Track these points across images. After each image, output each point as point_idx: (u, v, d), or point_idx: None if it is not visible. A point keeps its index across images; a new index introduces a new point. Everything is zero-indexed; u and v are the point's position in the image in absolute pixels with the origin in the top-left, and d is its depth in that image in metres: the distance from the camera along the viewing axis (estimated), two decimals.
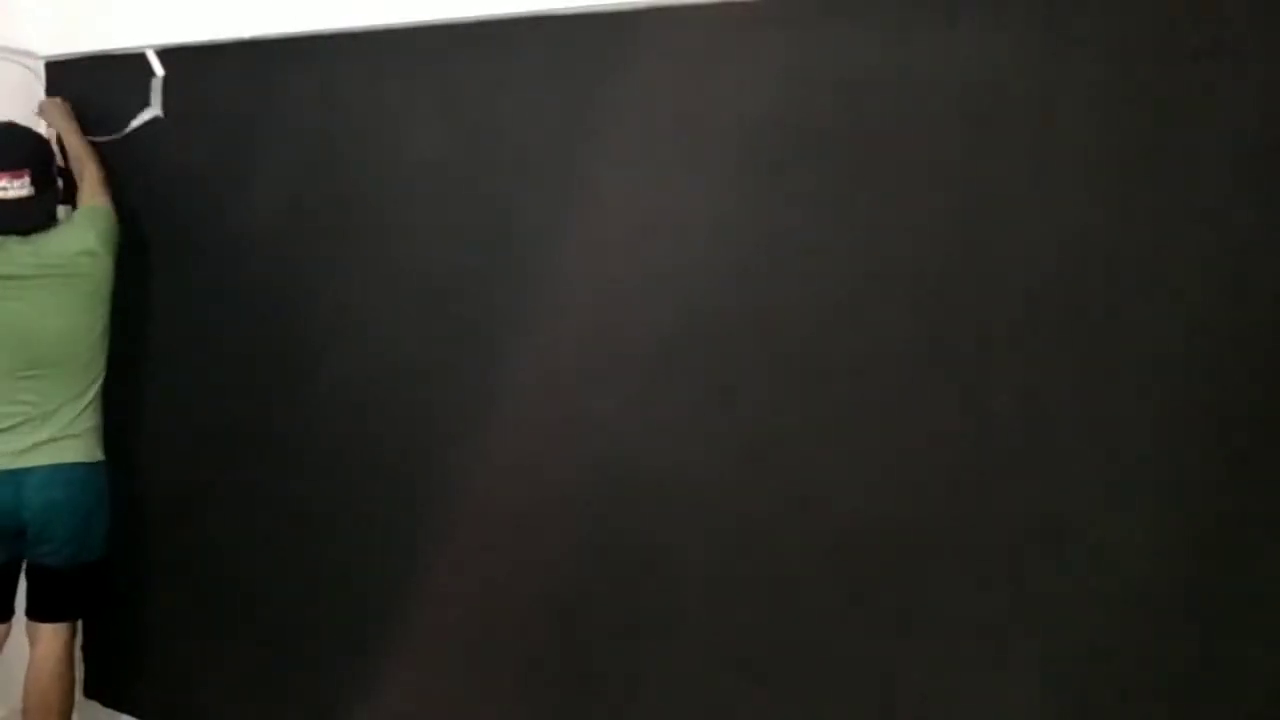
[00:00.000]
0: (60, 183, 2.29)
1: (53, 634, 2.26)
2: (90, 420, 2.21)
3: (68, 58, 2.42)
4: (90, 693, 2.65)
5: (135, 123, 2.30)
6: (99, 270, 2.20)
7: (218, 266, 2.26)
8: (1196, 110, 1.33)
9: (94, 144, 2.32)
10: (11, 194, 2.12)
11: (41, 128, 2.39)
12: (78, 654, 2.62)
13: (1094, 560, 1.44)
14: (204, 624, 2.41)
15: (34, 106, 2.43)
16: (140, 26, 2.26)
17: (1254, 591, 1.35)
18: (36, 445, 2.12)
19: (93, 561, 2.26)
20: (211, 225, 2.25)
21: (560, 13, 1.76)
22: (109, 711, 2.61)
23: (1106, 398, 1.41)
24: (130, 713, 2.58)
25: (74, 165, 2.30)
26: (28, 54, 2.44)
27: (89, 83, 2.41)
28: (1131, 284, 1.38)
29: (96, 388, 2.23)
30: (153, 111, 2.28)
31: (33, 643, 2.26)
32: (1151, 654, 1.41)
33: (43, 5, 2.41)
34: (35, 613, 2.25)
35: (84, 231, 2.19)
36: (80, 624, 2.40)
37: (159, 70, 2.24)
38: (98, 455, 2.24)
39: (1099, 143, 1.39)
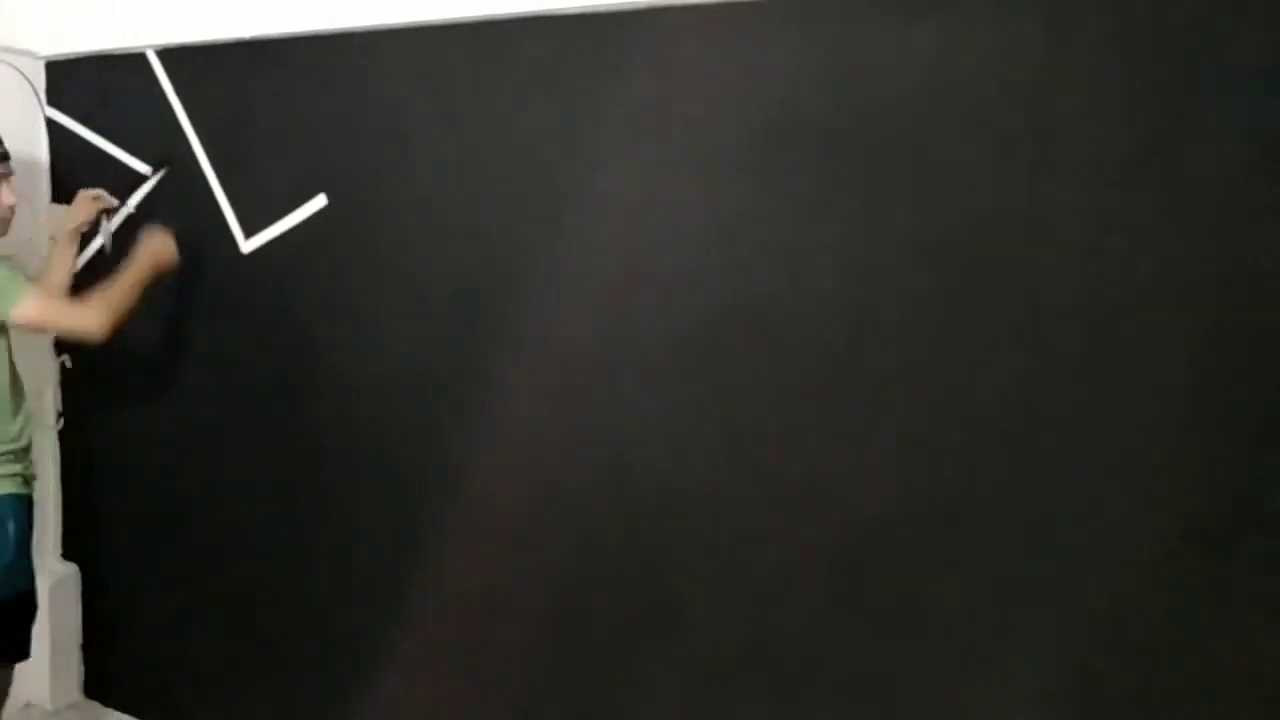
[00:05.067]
0: None
1: None
2: None
3: (68, 58, 2.42)
4: (90, 693, 2.65)
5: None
6: None
7: (216, 265, 2.26)
8: (1197, 108, 1.34)
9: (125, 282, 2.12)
10: None
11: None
12: (77, 655, 2.63)
13: (1094, 559, 1.44)
14: (203, 624, 2.42)
15: (32, 107, 2.44)
16: (140, 26, 2.26)
17: (1254, 589, 1.35)
18: None
19: None
20: (209, 224, 2.25)
21: (560, 13, 1.76)
22: (109, 711, 2.61)
23: (1107, 396, 1.41)
24: (130, 713, 2.59)
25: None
26: (28, 54, 2.44)
27: (89, 83, 2.41)
28: (1133, 283, 1.38)
29: None
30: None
31: None
32: (1151, 652, 1.41)
33: (43, 5, 2.41)
34: None
35: None
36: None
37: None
38: None
39: (1100, 140, 1.39)
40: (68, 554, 2.65)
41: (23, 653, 2.16)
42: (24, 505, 2.08)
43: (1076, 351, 1.43)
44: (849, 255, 1.57)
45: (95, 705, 2.64)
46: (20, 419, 2.09)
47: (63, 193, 2.49)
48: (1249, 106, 1.30)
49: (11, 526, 2.05)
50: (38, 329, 2.09)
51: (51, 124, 2.48)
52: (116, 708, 2.61)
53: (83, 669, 2.65)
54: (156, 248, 2.17)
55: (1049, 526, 1.47)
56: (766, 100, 1.61)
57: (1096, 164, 1.39)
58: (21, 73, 2.44)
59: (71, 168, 2.47)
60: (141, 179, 2.35)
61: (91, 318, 2.03)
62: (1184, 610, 1.39)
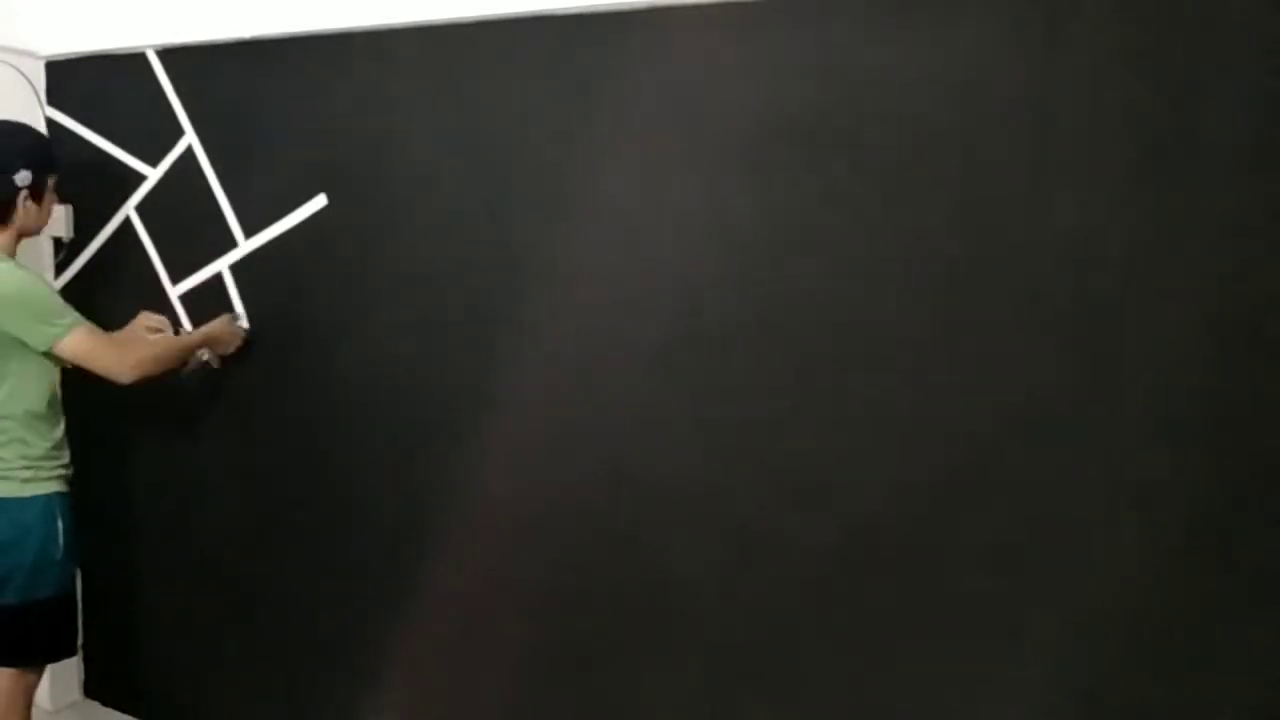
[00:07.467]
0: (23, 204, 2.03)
1: None
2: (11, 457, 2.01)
3: (68, 58, 2.42)
4: (90, 693, 2.65)
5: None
6: None
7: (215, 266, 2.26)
8: (1197, 107, 1.34)
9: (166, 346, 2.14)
10: None
11: None
12: (77, 654, 2.63)
13: (1099, 558, 1.44)
14: (203, 624, 2.42)
15: (32, 107, 2.44)
16: (140, 26, 2.26)
17: (1254, 588, 1.35)
18: None
19: (14, 605, 2.01)
20: (209, 224, 2.25)
21: (560, 13, 1.76)
22: (109, 711, 2.61)
23: (1108, 396, 1.41)
24: (130, 713, 2.58)
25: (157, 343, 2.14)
26: (28, 54, 2.44)
27: (89, 83, 2.41)
28: (1133, 283, 1.38)
29: (16, 426, 2.02)
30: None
31: None
32: (1155, 652, 1.41)
33: (43, 5, 2.41)
34: None
35: None
36: (39, 674, 2.15)
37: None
38: (23, 491, 2.01)
39: (1099, 139, 1.39)
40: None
41: (71, 649, 2.20)
42: (69, 503, 2.10)
43: (1079, 351, 1.43)
44: (851, 255, 1.57)
45: (95, 705, 2.64)
46: (61, 425, 2.14)
47: (63, 193, 2.48)
48: (1249, 107, 1.30)
49: (60, 525, 2.05)
50: (72, 364, 2.03)
51: (51, 124, 2.48)
52: (116, 708, 2.61)
53: (83, 669, 2.65)
54: (221, 328, 2.20)
55: (1052, 525, 1.47)
56: (767, 100, 1.61)
57: (1097, 164, 1.39)
58: (21, 73, 2.44)
59: (71, 168, 2.47)
60: (140, 178, 2.35)
61: (128, 365, 2.02)
62: (1187, 610, 1.39)
